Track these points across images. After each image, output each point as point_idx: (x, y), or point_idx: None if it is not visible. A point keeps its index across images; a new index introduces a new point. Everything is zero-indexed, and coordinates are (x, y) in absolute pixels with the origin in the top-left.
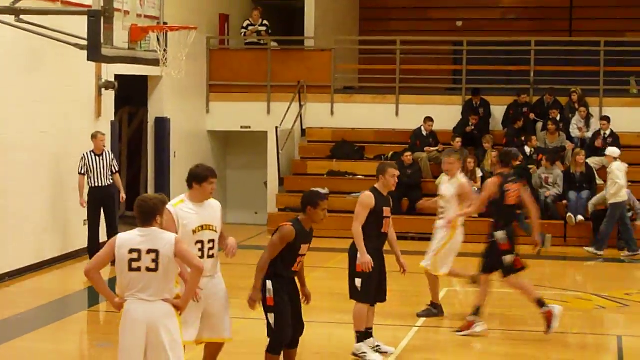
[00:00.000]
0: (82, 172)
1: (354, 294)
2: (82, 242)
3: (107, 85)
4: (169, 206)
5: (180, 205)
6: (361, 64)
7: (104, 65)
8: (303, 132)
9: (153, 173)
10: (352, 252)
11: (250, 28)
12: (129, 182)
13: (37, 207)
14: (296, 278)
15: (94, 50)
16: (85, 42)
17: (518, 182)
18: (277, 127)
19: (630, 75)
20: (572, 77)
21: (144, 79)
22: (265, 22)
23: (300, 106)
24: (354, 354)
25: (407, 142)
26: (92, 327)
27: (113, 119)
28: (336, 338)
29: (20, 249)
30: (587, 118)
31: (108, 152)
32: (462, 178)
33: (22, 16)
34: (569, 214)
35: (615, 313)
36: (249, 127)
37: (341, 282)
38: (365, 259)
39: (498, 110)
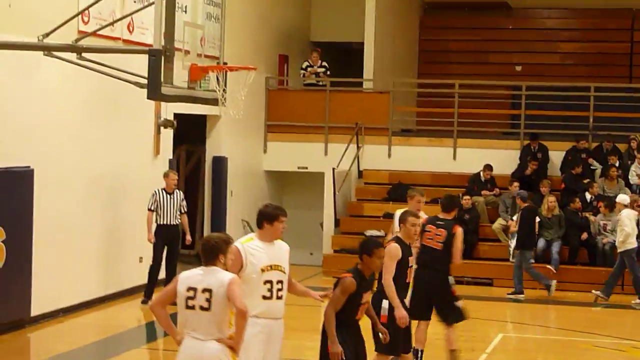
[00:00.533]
0: (152, 208)
1: (378, 345)
2: (137, 279)
3: (167, 124)
4: (237, 243)
5: (249, 242)
6: (419, 106)
7: (163, 103)
8: (360, 173)
9: (209, 212)
10: (376, 302)
11: (309, 69)
12: None
13: (93, 244)
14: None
15: (154, 89)
16: (145, 81)
17: (444, 229)
18: (334, 168)
19: None
20: (632, 124)
21: (202, 118)
22: (324, 63)
23: (358, 147)
24: None
25: (464, 186)
26: None
27: (171, 157)
28: None
29: (74, 285)
30: None
31: (179, 191)
32: (423, 215)
33: (83, 54)
34: None
35: None
36: (306, 168)
37: None
38: (402, 313)
39: (556, 156)
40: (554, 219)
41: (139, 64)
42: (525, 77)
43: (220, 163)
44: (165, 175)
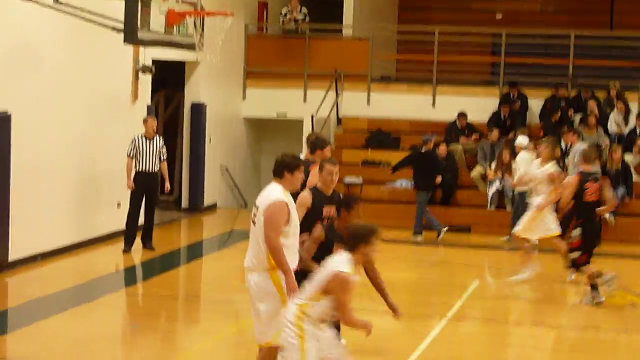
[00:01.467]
0: (131, 155)
1: None
2: (114, 225)
3: (145, 70)
4: (282, 197)
5: (286, 196)
6: (399, 53)
7: (142, 49)
8: (339, 120)
9: (188, 158)
10: None
11: (288, 16)
12: None
13: (70, 189)
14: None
15: (131, 34)
16: (122, 26)
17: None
18: (313, 116)
19: None
20: (612, 72)
21: (181, 65)
22: (304, 10)
23: (337, 95)
24: None
25: (443, 133)
26: (123, 308)
27: (150, 103)
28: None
29: (52, 231)
30: (626, 113)
31: (159, 137)
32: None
33: None
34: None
35: None
36: (285, 115)
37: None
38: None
39: (535, 104)
40: None
41: (117, 9)
42: (506, 24)
43: (199, 110)
44: (145, 121)
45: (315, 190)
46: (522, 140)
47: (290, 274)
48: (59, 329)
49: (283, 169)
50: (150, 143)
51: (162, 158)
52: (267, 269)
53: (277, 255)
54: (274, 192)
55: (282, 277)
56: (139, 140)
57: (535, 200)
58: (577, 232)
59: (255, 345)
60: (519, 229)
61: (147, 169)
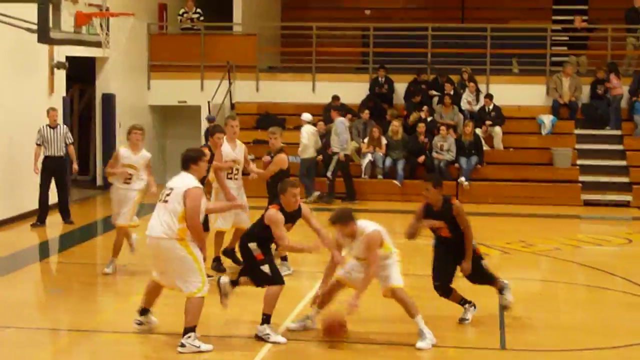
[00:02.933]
0: (39, 143)
1: (266, 279)
2: (33, 204)
3: (59, 66)
4: (198, 184)
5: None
6: (283, 46)
7: (56, 47)
8: (232, 105)
9: (101, 142)
10: (245, 250)
11: (185, 15)
12: (80, 150)
13: None
14: None
15: (43, 34)
16: (36, 27)
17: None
18: (209, 102)
19: (513, 56)
20: (464, 58)
21: (92, 60)
22: (198, 10)
23: (230, 83)
24: (257, 335)
25: (321, 114)
26: (45, 276)
27: (65, 95)
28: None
29: None
30: (476, 93)
31: (62, 125)
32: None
33: None
34: (461, 178)
35: (498, 260)
36: (185, 102)
37: None
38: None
39: (400, 87)
40: (398, 142)
41: (31, 12)
42: (373, 19)
43: (109, 100)
44: (47, 112)
45: (282, 210)
46: (306, 115)
47: (205, 247)
48: None
49: (188, 161)
50: (54, 131)
51: (68, 142)
52: (178, 239)
53: (198, 233)
54: (190, 180)
55: (190, 244)
56: (44, 130)
57: (136, 185)
58: None
59: (168, 300)
60: (126, 219)
61: (53, 153)
